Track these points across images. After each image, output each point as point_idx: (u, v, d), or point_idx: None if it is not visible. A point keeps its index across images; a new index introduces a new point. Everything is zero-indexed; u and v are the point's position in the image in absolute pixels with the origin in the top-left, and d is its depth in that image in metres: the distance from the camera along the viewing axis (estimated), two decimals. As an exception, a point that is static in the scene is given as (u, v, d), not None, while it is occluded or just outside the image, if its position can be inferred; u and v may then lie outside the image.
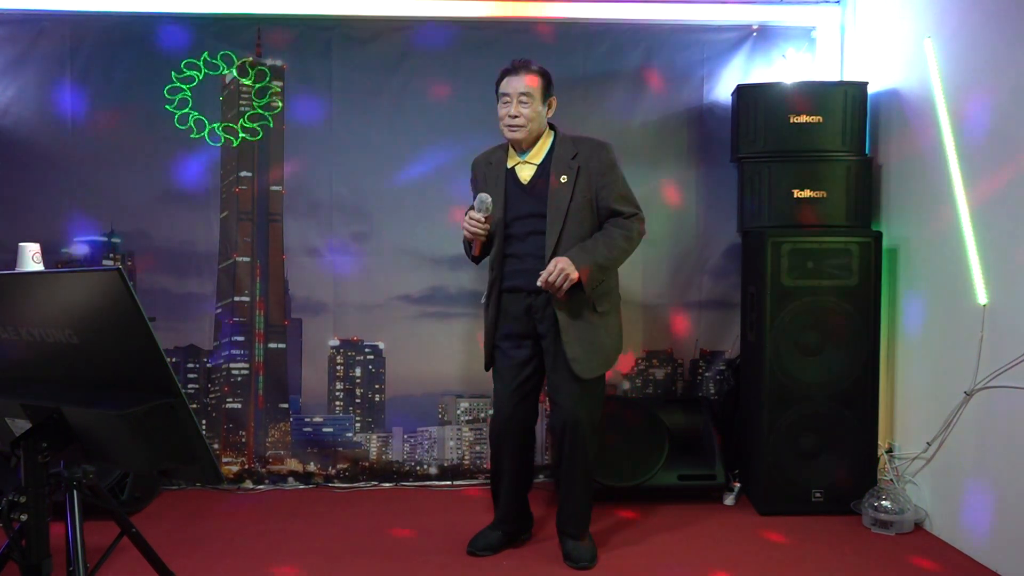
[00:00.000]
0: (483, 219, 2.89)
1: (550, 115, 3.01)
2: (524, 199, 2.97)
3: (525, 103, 2.90)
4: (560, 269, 2.78)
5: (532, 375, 3.05)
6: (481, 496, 3.79)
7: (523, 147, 2.98)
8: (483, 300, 3.14)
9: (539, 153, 2.99)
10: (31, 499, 1.65)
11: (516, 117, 2.91)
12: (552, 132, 3.04)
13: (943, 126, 3.28)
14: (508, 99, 2.93)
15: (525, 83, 2.90)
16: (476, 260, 3.11)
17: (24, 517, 1.65)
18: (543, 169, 2.96)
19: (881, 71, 3.75)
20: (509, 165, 3.00)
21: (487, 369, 3.13)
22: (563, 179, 2.92)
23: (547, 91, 2.96)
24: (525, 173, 2.99)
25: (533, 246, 2.93)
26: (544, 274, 2.80)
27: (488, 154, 3.09)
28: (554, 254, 2.86)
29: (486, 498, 3.68)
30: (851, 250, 3.51)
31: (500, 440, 3.08)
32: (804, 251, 3.51)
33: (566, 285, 2.80)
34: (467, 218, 2.93)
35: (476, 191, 3.06)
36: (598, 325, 2.95)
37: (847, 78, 3.97)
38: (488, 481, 3.92)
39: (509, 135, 2.96)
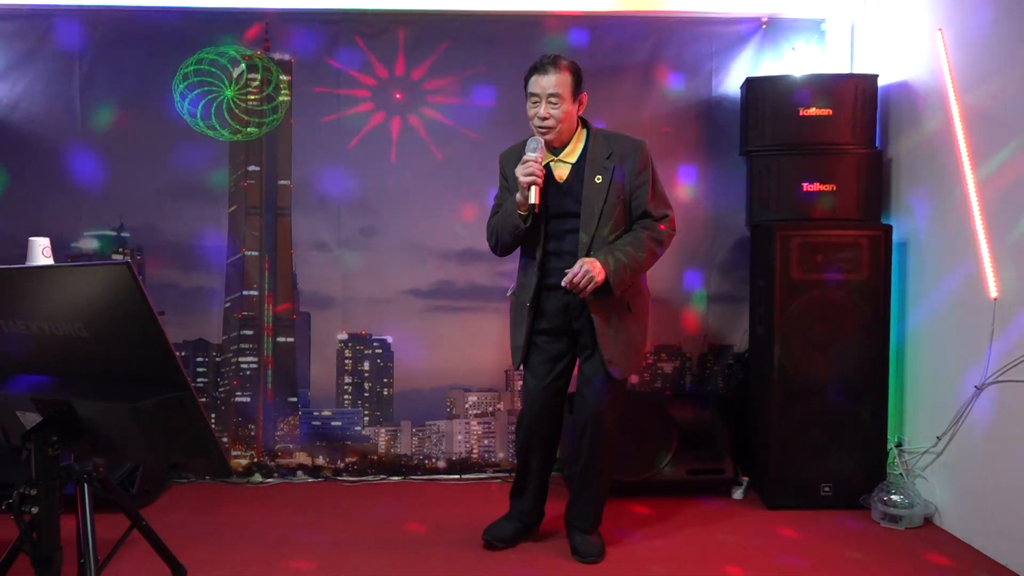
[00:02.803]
0: (538, 159, 2.79)
1: (581, 111, 2.94)
2: (561, 198, 2.92)
3: (554, 103, 2.82)
4: (585, 271, 2.77)
5: (564, 371, 3.04)
6: (489, 489, 3.80)
7: (556, 145, 2.93)
8: (508, 293, 3.13)
9: (573, 152, 2.94)
10: (42, 492, 1.66)
11: (546, 119, 2.83)
12: (585, 129, 2.97)
13: (954, 119, 3.25)
14: (537, 99, 2.85)
15: (554, 82, 2.81)
16: (524, 220, 2.86)
17: (35, 510, 1.66)
18: (578, 168, 2.92)
19: (892, 63, 3.72)
20: (543, 163, 2.91)
21: (518, 367, 3.09)
22: (598, 179, 2.88)
23: (577, 88, 2.88)
24: (560, 172, 2.94)
25: (571, 244, 2.90)
26: (569, 275, 2.79)
27: (518, 148, 2.99)
28: (588, 254, 2.84)
29: (494, 491, 3.69)
30: (861, 244, 3.49)
31: (530, 435, 3.07)
32: (813, 245, 3.49)
33: (590, 287, 2.78)
34: (522, 163, 2.81)
35: (506, 185, 3.02)
36: (631, 325, 2.95)
37: (857, 70, 3.94)
38: (497, 475, 3.95)
39: (540, 136, 2.88)
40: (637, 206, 2.92)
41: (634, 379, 4.05)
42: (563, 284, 2.81)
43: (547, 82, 2.82)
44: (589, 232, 2.87)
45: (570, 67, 2.87)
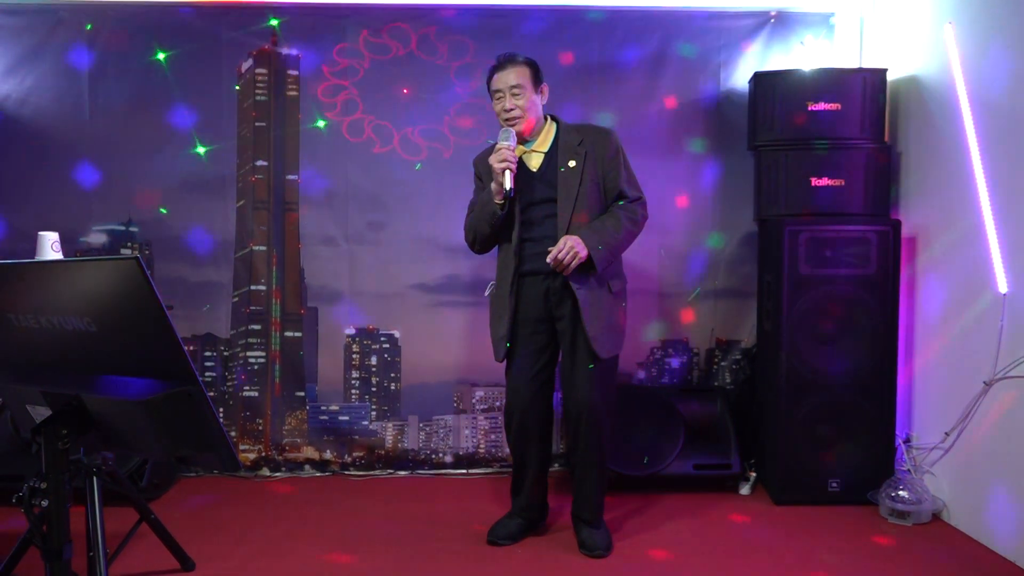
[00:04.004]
0: (509, 146, 2.88)
1: (544, 101, 3.04)
2: (536, 186, 2.99)
3: (517, 94, 2.93)
4: (570, 247, 2.83)
5: (549, 362, 3.07)
6: (496, 484, 3.81)
7: (527, 137, 3.00)
8: (487, 293, 3.15)
9: (545, 141, 3.02)
10: (52, 485, 1.67)
11: (512, 110, 2.94)
12: (554, 121, 3.07)
13: (963, 112, 3.24)
14: (501, 94, 2.96)
15: (514, 76, 2.93)
16: (501, 207, 2.91)
17: (45, 503, 1.67)
18: (551, 156, 3.00)
19: (900, 57, 3.70)
20: (517, 155, 2.98)
21: (500, 360, 3.12)
22: (571, 164, 2.96)
23: (536, 79, 2.99)
24: (534, 161, 3.01)
25: (549, 229, 2.96)
26: (554, 251, 2.84)
27: (489, 151, 3.04)
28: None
29: (501, 486, 3.69)
30: (869, 239, 3.48)
31: (522, 430, 3.08)
32: (821, 240, 3.48)
33: (575, 263, 2.84)
34: (495, 151, 2.90)
35: (480, 186, 3.08)
36: (613, 305, 3.00)
37: (866, 64, 3.93)
38: (503, 470, 3.95)
39: (510, 128, 2.95)
40: (611, 188, 3.00)
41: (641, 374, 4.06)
42: (547, 261, 2.86)
43: (507, 76, 2.95)
44: (566, 216, 2.93)
45: (527, 61, 3.00)
